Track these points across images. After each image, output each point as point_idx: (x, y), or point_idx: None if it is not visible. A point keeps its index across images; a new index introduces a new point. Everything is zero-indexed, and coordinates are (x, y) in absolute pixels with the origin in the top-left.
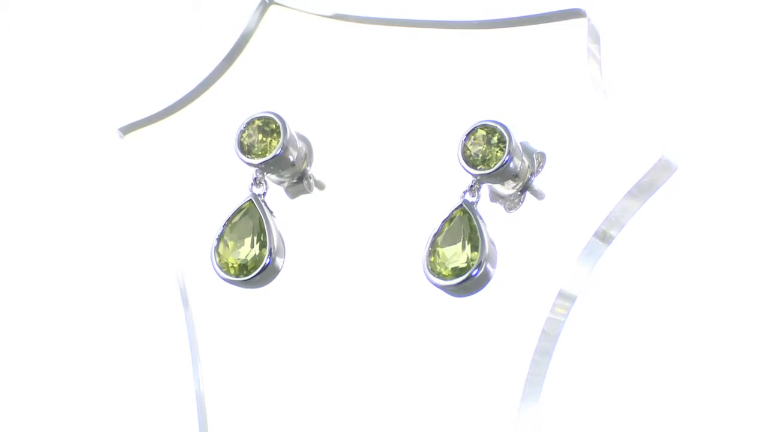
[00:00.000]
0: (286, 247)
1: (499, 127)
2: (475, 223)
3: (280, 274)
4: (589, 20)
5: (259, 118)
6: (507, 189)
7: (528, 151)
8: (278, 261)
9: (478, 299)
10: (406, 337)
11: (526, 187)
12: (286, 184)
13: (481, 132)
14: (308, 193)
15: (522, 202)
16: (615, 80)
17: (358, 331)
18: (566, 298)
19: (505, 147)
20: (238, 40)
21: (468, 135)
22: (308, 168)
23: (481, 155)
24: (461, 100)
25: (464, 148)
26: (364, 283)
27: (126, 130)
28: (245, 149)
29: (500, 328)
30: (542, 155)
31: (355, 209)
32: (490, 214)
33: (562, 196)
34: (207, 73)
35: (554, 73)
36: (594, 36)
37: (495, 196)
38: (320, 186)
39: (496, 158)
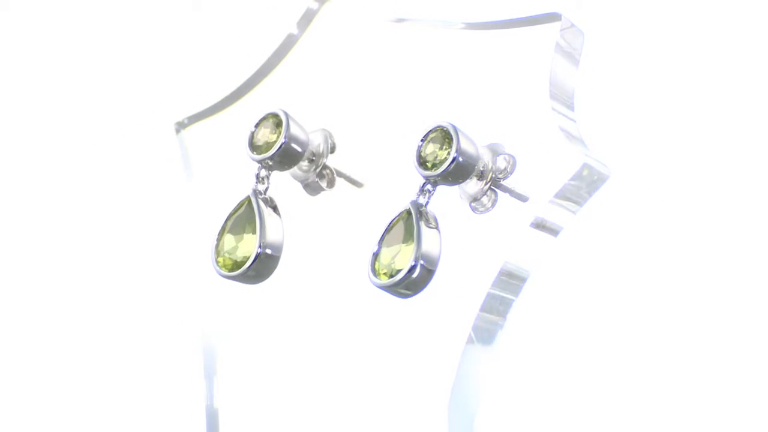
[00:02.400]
0: (285, 242)
1: (450, 128)
2: (414, 224)
3: (293, 274)
4: (571, 25)
5: (268, 116)
6: (474, 189)
7: (496, 153)
8: (271, 255)
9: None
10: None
11: (494, 188)
12: (308, 180)
13: (436, 134)
14: (325, 189)
15: (494, 205)
16: (598, 83)
17: (367, 334)
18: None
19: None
20: (288, 36)
21: (424, 137)
22: (326, 163)
23: (433, 157)
24: (436, 100)
25: (420, 150)
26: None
27: (183, 125)
28: (253, 146)
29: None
30: (512, 157)
31: (376, 208)
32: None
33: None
34: (257, 67)
35: (530, 77)
36: (573, 40)
37: (468, 198)
38: (357, 183)
39: (445, 159)
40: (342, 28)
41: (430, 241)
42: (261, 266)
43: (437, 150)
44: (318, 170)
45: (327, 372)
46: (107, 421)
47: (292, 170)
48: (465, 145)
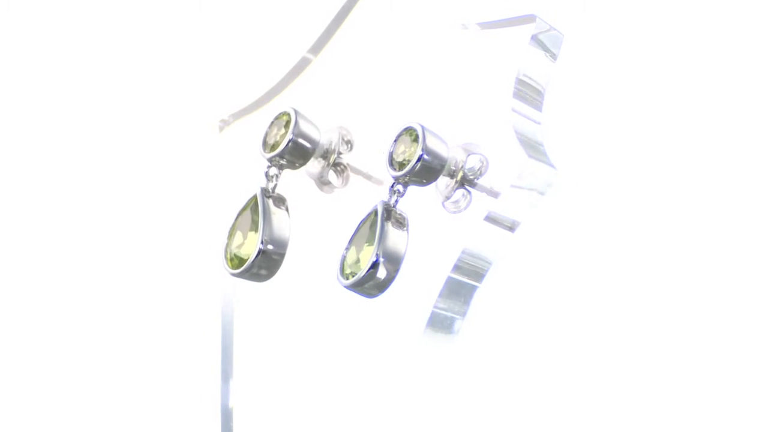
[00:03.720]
0: (290, 239)
1: (417, 129)
2: (378, 224)
3: (305, 272)
4: (549, 27)
5: (280, 115)
6: (446, 189)
7: (468, 152)
8: (274, 251)
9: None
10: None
11: (468, 187)
12: (320, 178)
13: (406, 135)
14: (337, 187)
15: (469, 204)
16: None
17: (375, 333)
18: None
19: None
20: (327, 27)
21: (396, 138)
22: (339, 160)
23: (402, 157)
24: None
25: (392, 151)
26: None
27: (226, 122)
28: (265, 144)
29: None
30: (484, 157)
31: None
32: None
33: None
34: (295, 61)
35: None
36: (550, 41)
37: (441, 197)
38: (376, 181)
39: (410, 159)
40: (375, 25)
41: (394, 240)
42: (263, 263)
43: (406, 150)
44: (329, 167)
45: (334, 372)
46: (121, 420)
47: (306, 168)
48: (432, 145)
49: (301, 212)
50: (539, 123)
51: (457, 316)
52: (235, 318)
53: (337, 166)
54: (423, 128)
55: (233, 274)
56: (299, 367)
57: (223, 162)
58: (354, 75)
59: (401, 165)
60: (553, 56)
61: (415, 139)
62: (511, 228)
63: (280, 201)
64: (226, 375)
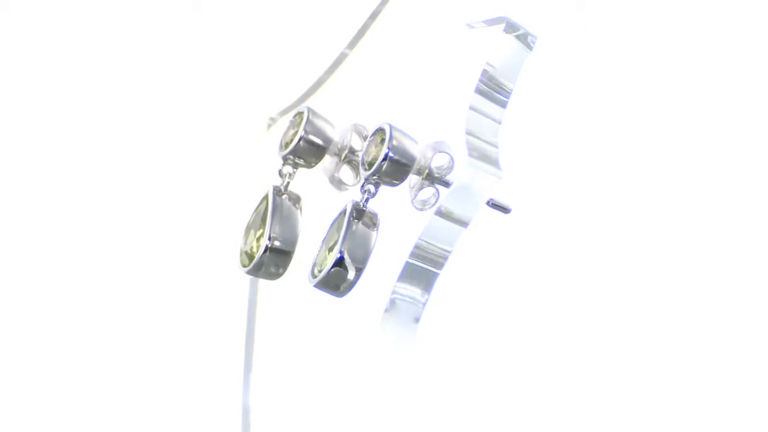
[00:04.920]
0: (300, 236)
1: (385, 129)
2: (344, 223)
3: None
4: (520, 28)
5: (296, 114)
6: (414, 186)
7: (435, 150)
8: (281, 249)
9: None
10: None
11: (438, 185)
12: (335, 176)
13: (377, 135)
14: (348, 185)
15: (437, 202)
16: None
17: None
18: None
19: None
20: (362, 27)
21: (369, 140)
22: (353, 157)
23: (371, 157)
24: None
25: (364, 152)
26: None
27: (274, 119)
28: (281, 144)
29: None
30: (449, 154)
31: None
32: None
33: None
34: (334, 57)
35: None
36: (518, 44)
37: (411, 195)
38: None
39: (376, 159)
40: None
41: (360, 238)
42: (271, 261)
43: (375, 150)
44: (341, 164)
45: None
46: (140, 417)
47: (321, 166)
48: (398, 144)
49: (317, 210)
50: (500, 122)
51: (418, 301)
52: (257, 316)
53: (351, 164)
54: (391, 128)
55: (245, 272)
56: (310, 365)
57: (271, 159)
58: (390, 70)
59: (370, 165)
60: (528, 47)
61: (383, 140)
62: (463, 223)
63: (292, 199)
64: (246, 371)
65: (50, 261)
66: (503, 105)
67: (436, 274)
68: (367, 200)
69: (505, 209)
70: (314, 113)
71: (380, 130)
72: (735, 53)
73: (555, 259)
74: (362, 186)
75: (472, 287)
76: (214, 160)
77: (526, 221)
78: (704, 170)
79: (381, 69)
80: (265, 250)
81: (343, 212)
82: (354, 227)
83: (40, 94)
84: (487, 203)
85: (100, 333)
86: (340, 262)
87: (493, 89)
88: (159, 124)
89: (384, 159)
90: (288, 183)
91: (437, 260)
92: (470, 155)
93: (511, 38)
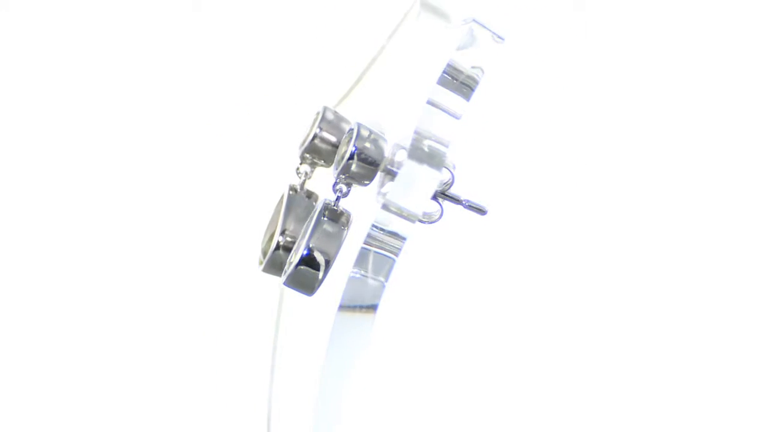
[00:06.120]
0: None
1: (354, 128)
2: (312, 221)
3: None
4: (484, 27)
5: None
6: (381, 184)
7: (399, 147)
8: (292, 244)
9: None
10: None
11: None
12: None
13: (348, 135)
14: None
15: (441, 216)
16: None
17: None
18: None
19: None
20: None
21: (343, 139)
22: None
23: (340, 156)
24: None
25: (338, 152)
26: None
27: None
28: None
29: None
30: (404, 150)
31: None
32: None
33: None
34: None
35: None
36: (491, 36)
37: (378, 191)
38: None
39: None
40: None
41: (326, 236)
42: (282, 258)
43: (344, 150)
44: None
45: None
46: (164, 412)
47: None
48: (363, 143)
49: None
50: (459, 117)
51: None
52: (282, 315)
53: None
54: (359, 128)
55: (261, 270)
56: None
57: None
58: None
59: (338, 163)
60: (485, 56)
61: (349, 140)
62: (410, 219)
63: (308, 197)
64: (271, 370)
65: (64, 263)
66: (467, 96)
67: (393, 260)
68: (338, 199)
69: (481, 210)
70: (330, 111)
71: (350, 130)
72: (734, 53)
73: (541, 259)
74: (333, 185)
75: (455, 287)
76: (265, 157)
77: (525, 222)
78: (704, 170)
79: (408, 70)
80: (277, 247)
81: (313, 211)
82: (321, 226)
83: (41, 95)
84: (463, 205)
85: (105, 335)
86: (304, 259)
87: (455, 83)
88: (161, 125)
89: (350, 157)
90: (304, 181)
91: (393, 249)
92: (410, 157)
93: (481, 33)
